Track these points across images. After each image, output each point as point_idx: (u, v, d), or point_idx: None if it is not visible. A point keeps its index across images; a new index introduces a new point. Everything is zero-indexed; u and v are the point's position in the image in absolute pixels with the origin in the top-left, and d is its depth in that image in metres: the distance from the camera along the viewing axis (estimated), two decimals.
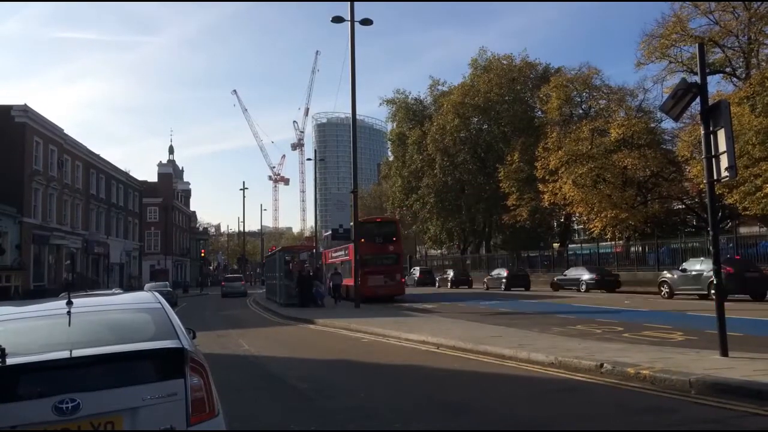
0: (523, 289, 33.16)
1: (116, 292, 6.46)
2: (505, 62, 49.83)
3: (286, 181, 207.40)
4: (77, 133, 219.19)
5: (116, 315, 4.18)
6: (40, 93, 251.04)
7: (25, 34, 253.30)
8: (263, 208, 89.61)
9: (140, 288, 36.72)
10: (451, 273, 41.82)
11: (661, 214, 37.51)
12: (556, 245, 49.39)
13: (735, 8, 29.81)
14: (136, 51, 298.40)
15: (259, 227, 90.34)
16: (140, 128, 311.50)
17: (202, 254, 73.92)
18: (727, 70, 31.83)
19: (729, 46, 30.86)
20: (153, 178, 71.89)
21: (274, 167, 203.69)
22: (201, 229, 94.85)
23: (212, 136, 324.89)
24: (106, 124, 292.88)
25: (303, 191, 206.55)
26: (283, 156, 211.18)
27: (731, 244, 26.11)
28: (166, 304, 4.22)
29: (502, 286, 33.71)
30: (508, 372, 8.54)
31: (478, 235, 55.64)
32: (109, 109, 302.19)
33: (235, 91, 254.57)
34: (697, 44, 9.50)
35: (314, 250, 40.75)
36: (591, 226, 37.21)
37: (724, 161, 7.87)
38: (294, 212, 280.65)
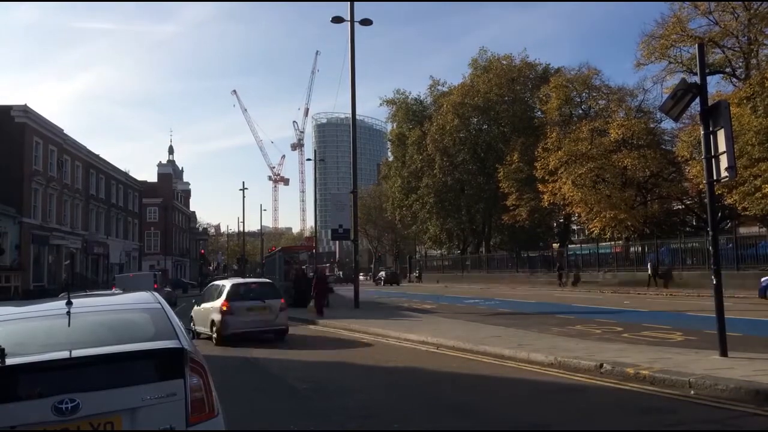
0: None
1: (116, 292, 6.47)
2: (504, 62, 49.84)
3: (286, 182, 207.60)
4: (80, 129, 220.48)
5: (116, 315, 4.18)
6: (40, 85, 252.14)
7: (25, 24, 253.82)
8: (263, 209, 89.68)
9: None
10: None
11: (660, 214, 37.51)
12: (555, 245, 49.39)
13: (735, 9, 29.80)
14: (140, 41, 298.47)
15: (259, 227, 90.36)
16: (146, 123, 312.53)
17: (202, 254, 73.87)
18: (727, 70, 31.82)
19: (729, 46, 30.85)
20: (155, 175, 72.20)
21: (273, 167, 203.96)
22: (201, 229, 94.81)
23: (211, 136, 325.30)
24: (110, 120, 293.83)
25: (303, 191, 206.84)
26: (283, 156, 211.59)
27: (731, 245, 26.09)
28: (166, 304, 4.22)
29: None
30: (507, 372, 8.55)
31: (477, 235, 55.63)
32: (114, 103, 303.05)
33: (234, 91, 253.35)
34: (696, 44, 9.51)
35: (314, 251, 40.73)
36: (590, 226, 37.21)
37: (724, 161, 7.87)
38: (294, 212, 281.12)
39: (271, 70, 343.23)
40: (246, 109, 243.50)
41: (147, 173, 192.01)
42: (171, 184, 72.58)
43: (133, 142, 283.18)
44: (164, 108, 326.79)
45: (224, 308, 13.19)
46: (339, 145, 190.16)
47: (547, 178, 37.08)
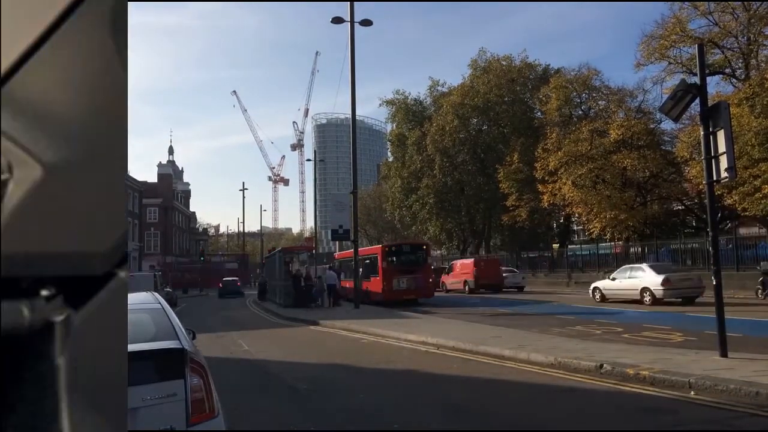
0: None
1: None
2: (504, 63, 49.82)
3: (286, 182, 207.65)
4: None
5: None
6: None
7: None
8: (263, 209, 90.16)
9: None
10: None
11: (660, 214, 37.50)
12: (555, 246, 49.40)
13: (734, 9, 29.79)
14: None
15: (259, 228, 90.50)
16: (147, 118, 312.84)
17: (202, 253, 73.84)
18: (727, 71, 31.79)
19: (728, 47, 30.81)
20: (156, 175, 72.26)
21: (273, 168, 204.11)
22: (201, 229, 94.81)
23: (212, 134, 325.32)
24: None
25: (303, 192, 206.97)
26: (283, 156, 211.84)
27: (730, 245, 26.09)
28: (166, 305, 4.23)
29: None
30: (507, 372, 8.55)
31: (477, 236, 55.63)
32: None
33: (234, 91, 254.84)
34: (696, 45, 9.52)
35: (314, 251, 40.74)
36: (590, 226, 37.21)
37: (724, 162, 7.88)
38: (294, 213, 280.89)
39: (271, 70, 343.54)
40: (246, 110, 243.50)
41: (147, 172, 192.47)
42: (171, 184, 72.58)
43: (133, 138, 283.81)
44: (165, 104, 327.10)
45: None
46: (339, 146, 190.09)
47: (547, 178, 37.09)
